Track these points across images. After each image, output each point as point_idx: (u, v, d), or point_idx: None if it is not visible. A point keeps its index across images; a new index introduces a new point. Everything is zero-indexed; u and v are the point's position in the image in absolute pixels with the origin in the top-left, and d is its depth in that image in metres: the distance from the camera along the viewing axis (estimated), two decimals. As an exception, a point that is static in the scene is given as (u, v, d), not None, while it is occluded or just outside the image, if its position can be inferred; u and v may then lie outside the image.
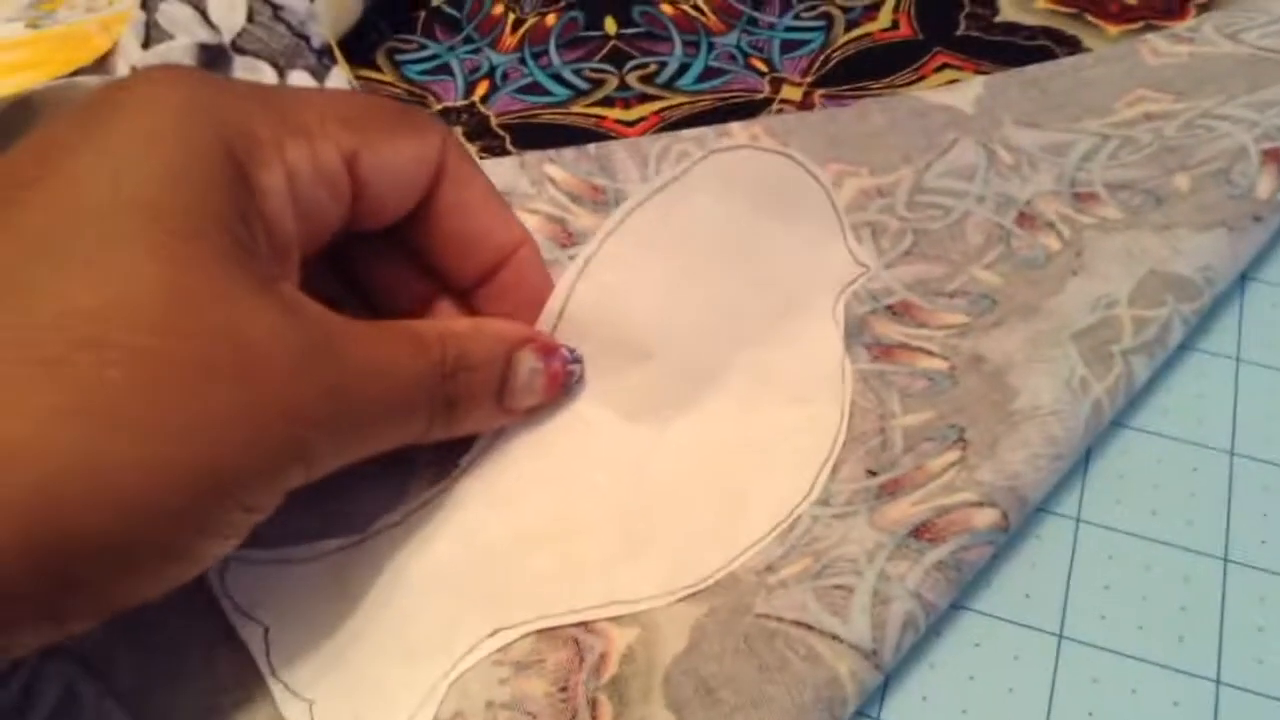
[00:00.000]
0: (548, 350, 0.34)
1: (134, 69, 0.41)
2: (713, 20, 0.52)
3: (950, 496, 0.33)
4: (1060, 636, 0.33)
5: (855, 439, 0.35)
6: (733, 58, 0.50)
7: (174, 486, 0.24)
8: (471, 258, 0.34)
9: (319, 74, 0.42)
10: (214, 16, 0.41)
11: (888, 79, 0.49)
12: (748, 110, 0.47)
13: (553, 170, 0.43)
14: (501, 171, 0.42)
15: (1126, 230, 0.40)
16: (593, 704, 0.30)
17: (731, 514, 0.34)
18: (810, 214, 0.36)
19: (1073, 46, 0.50)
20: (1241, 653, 0.32)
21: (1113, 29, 0.51)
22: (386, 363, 0.29)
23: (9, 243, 0.24)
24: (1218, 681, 0.32)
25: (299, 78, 0.42)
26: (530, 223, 0.40)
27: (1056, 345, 0.36)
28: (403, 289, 0.35)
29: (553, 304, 0.35)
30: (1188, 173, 0.42)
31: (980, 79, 0.47)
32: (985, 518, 0.32)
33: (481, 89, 0.49)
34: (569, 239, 0.41)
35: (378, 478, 0.34)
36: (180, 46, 0.41)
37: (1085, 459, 0.36)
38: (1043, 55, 0.49)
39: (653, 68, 0.50)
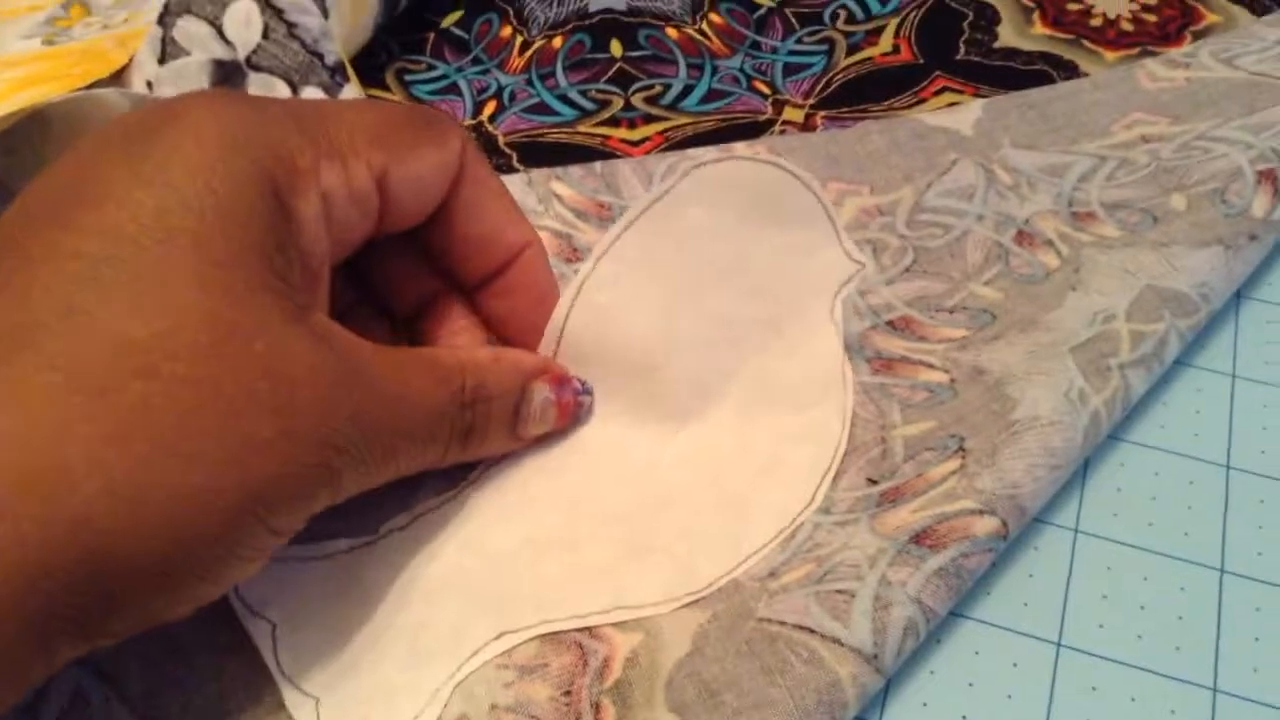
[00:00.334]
0: (560, 381, 0.35)
1: (149, 84, 0.42)
2: (717, 44, 0.53)
3: (950, 504, 0.33)
4: (1059, 645, 0.33)
5: (856, 449, 0.36)
6: (736, 80, 0.51)
7: (212, 512, 0.25)
8: (481, 256, 0.34)
9: (331, 91, 0.42)
10: (229, 33, 0.42)
11: (888, 102, 0.49)
12: (751, 131, 0.48)
13: (559, 187, 0.43)
14: (509, 188, 0.43)
15: (1124, 248, 0.41)
16: (596, 707, 0.30)
17: (734, 522, 0.34)
18: (801, 217, 0.36)
19: (1070, 71, 0.51)
20: (1238, 661, 0.33)
21: (1110, 54, 0.51)
22: (411, 393, 0.30)
23: (59, 268, 0.24)
24: (1214, 690, 0.32)
25: (312, 94, 0.42)
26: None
27: (1055, 358, 0.37)
28: (410, 286, 0.35)
29: (553, 325, 0.35)
30: (1184, 192, 0.43)
31: (979, 102, 0.48)
32: (985, 526, 0.33)
33: (489, 109, 0.49)
34: (575, 254, 0.41)
35: (388, 484, 0.34)
36: (196, 62, 0.42)
37: (1083, 472, 0.37)
38: (1041, 79, 0.50)
39: (657, 89, 0.50)
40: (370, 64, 0.51)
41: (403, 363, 0.30)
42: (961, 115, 0.47)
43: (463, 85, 0.51)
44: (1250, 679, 0.32)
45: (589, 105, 0.50)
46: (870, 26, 0.54)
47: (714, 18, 0.54)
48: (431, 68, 0.52)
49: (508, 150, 0.47)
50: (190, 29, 0.41)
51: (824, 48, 0.53)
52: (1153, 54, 0.51)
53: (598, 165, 0.45)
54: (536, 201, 0.43)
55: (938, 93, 0.50)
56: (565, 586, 0.33)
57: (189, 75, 0.42)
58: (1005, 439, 0.35)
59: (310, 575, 0.32)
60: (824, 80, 0.51)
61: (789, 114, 0.49)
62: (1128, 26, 0.53)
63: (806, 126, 0.48)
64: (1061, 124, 0.47)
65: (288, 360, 0.26)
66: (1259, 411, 0.39)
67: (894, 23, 0.54)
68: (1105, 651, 0.33)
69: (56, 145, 0.41)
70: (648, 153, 0.47)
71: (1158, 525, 0.36)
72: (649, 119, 0.49)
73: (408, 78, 0.51)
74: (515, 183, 0.43)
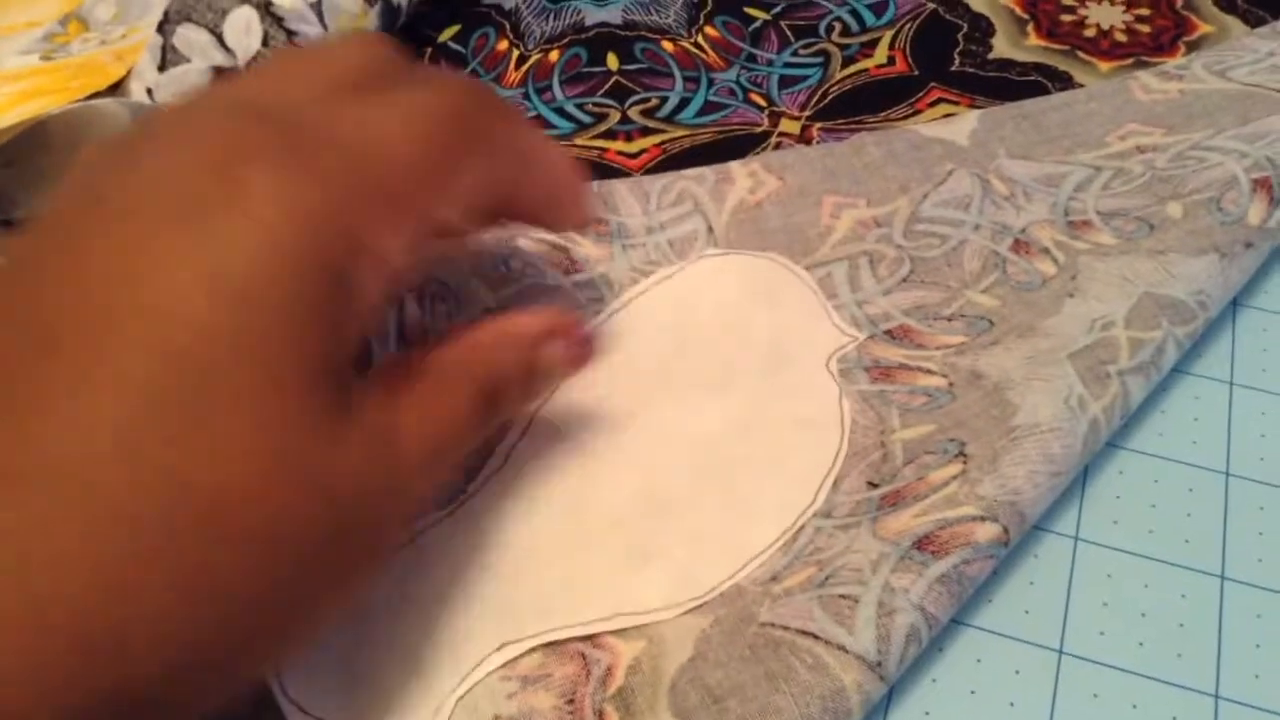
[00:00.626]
0: (567, 333, 0.33)
1: (149, 90, 0.42)
2: (712, 57, 0.53)
3: (952, 510, 0.33)
4: (1060, 652, 0.33)
5: (856, 453, 0.36)
6: (732, 92, 0.51)
7: (271, 650, 0.25)
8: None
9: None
10: (229, 40, 0.42)
11: (884, 113, 0.50)
12: (748, 143, 0.48)
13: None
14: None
15: (1121, 255, 0.41)
16: (600, 715, 0.30)
17: (735, 526, 0.34)
18: (795, 299, 0.40)
19: (1065, 82, 0.51)
20: (1239, 668, 0.33)
21: (1104, 65, 0.52)
22: (444, 432, 0.28)
23: (108, 388, 0.22)
24: (1216, 696, 0.32)
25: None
26: (535, 251, 0.41)
27: (1054, 364, 0.37)
28: None
29: None
30: (1180, 201, 0.43)
31: (975, 113, 0.48)
32: (987, 532, 0.33)
33: (486, 122, 0.49)
34: (573, 266, 0.41)
35: None
36: (196, 70, 0.42)
37: (1083, 479, 0.37)
38: (1035, 90, 0.50)
39: (654, 102, 0.51)
40: (367, 78, 0.51)
41: (425, 409, 0.28)
42: (957, 126, 0.47)
43: (460, 98, 0.51)
44: (1252, 685, 0.32)
45: (586, 118, 0.50)
46: (865, 39, 0.54)
47: (709, 31, 0.55)
48: (428, 81, 0.52)
49: (505, 163, 0.47)
50: (190, 36, 0.42)
51: (819, 60, 0.53)
52: (1146, 64, 0.52)
53: (595, 185, 0.45)
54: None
55: (933, 104, 0.50)
56: (566, 595, 0.33)
57: (189, 82, 0.42)
58: (1005, 445, 0.35)
59: None
60: (820, 92, 0.51)
61: (785, 126, 0.49)
62: (1121, 37, 0.53)
63: (803, 138, 0.48)
64: (1057, 134, 0.47)
65: (344, 486, 0.25)
66: (1257, 418, 0.39)
67: (889, 35, 0.54)
68: (1107, 659, 0.33)
69: (56, 157, 0.41)
70: (645, 165, 0.47)
71: (1158, 532, 0.36)
72: (646, 131, 0.49)
73: (405, 91, 0.51)
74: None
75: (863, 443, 0.36)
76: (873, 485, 0.35)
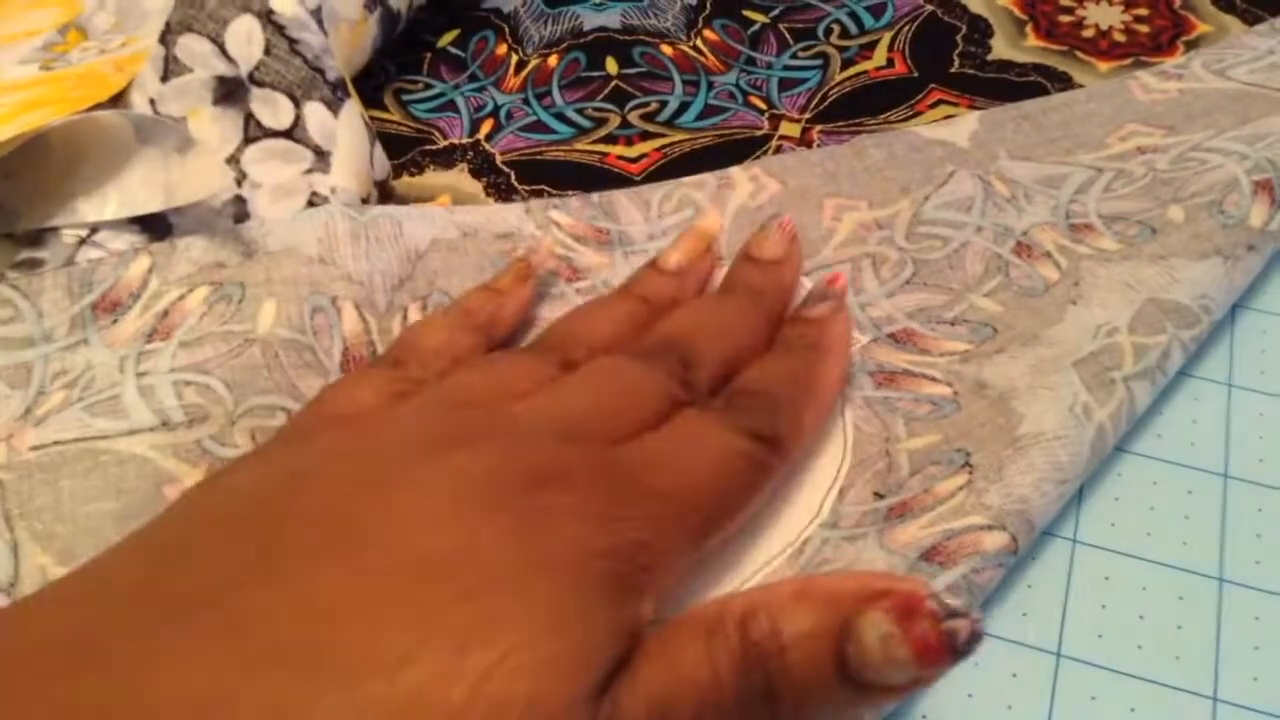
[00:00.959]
0: (907, 608, 0.24)
1: (152, 101, 0.42)
2: (712, 60, 0.53)
3: (959, 520, 0.33)
4: (1058, 655, 0.33)
5: (861, 462, 0.36)
6: (732, 96, 0.51)
7: None
8: None
9: (333, 106, 0.43)
10: (231, 50, 0.42)
11: (884, 115, 0.50)
12: (748, 146, 0.48)
13: (557, 216, 0.44)
14: (506, 216, 0.43)
15: (1123, 261, 0.41)
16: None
17: (742, 539, 0.34)
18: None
19: (1064, 82, 0.51)
20: (1238, 670, 0.33)
21: (1103, 65, 0.52)
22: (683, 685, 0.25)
23: None
24: (1214, 699, 0.32)
25: (314, 109, 0.42)
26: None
27: (1058, 372, 0.37)
28: None
29: None
30: (1181, 204, 0.43)
31: (975, 114, 0.48)
32: (995, 541, 0.33)
33: (486, 127, 0.50)
34: (575, 274, 0.42)
35: None
36: (198, 79, 0.42)
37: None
38: (1035, 91, 0.50)
39: (654, 106, 0.51)
40: (368, 84, 0.51)
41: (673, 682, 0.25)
42: (957, 128, 0.47)
43: (460, 103, 0.51)
44: (1250, 688, 0.32)
45: (586, 123, 0.50)
46: (864, 41, 0.54)
47: (708, 34, 0.55)
48: (429, 86, 0.52)
49: (505, 169, 0.47)
50: (192, 46, 0.42)
51: (819, 62, 0.53)
52: (1145, 64, 0.52)
53: (595, 196, 0.45)
54: (535, 227, 0.43)
55: (933, 105, 0.50)
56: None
57: (191, 92, 0.42)
58: (1011, 454, 0.35)
59: None
60: (819, 94, 0.51)
61: (785, 129, 0.49)
62: (1120, 37, 0.53)
63: (803, 141, 0.48)
64: (1057, 135, 0.47)
65: None
66: (1256, 420, 0.39)
67: (887, 37, 0.54)
68: (1105, 661, 0.33)
69: (56, 169, 0.41)
70: (645, 169, 0.47)
71: (1156, 535, 0.36)
72: (646, 136, 0.49)
73: (405, 97, 0.51)
74: (514, 211, 0.44)
75: (868, 451, 0.36)
76: (879, 496, 0.35)
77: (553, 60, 0.53)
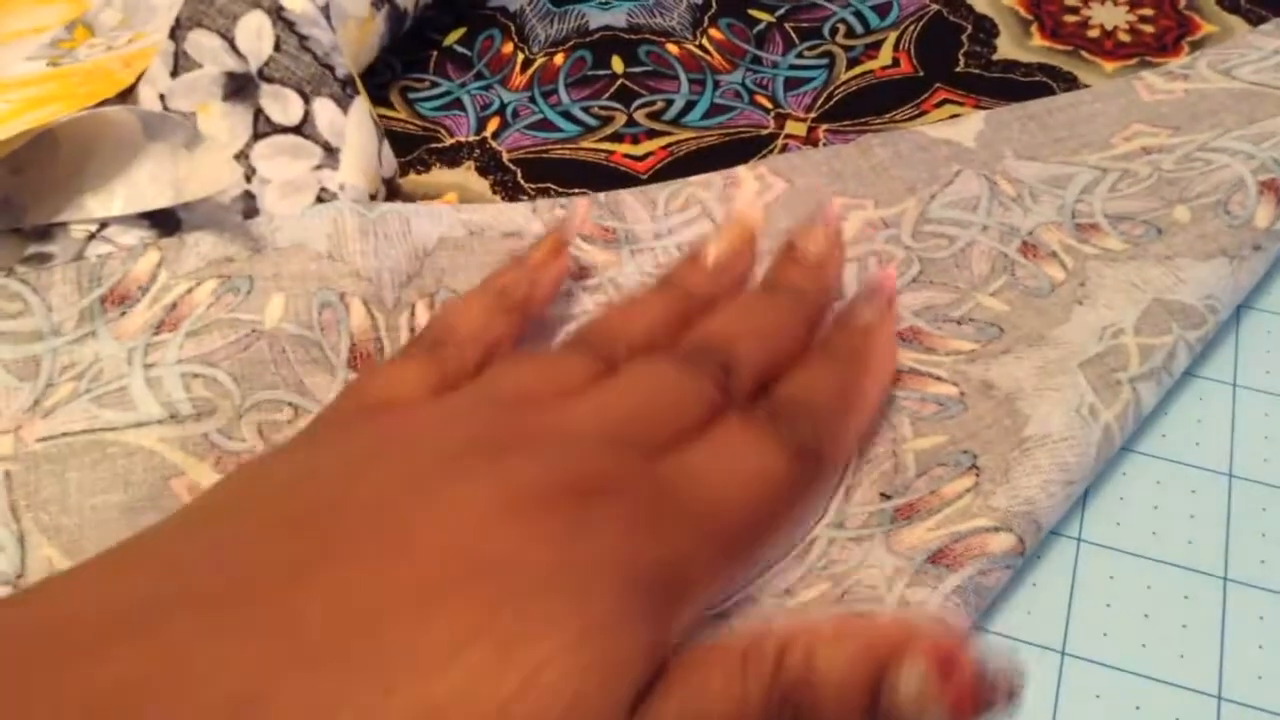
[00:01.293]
0: (946, 658, 0.23)
1: (161, 96, 0.42)
2: (718, 59, 0.53)
3: (966, 522, 0.33)
4: (1063, 653, 0.33)
5: (868, 462, 0.36)
6: (738, 95, 0.51)
7: None
8: None
9: (343, 103, 0.43)
10: (241, 45, 0.42)
11: (890, 114, 0.50)
12: (754, 145, 0.48)
13: (564, 215, 0.44)
14: (513, 215, 0.43)
15: (1129, 261, 0.41)
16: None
17: None
18: None
19: (1069, 82, 0.51)
20: (1242, 669, 0.33)
21: (1109, 65, 0.52)
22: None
23: None
24: (1219, 698, 0.32)
25: (323, 106, 0.42)
26: (544, 258, 0.41)
27: (1065, 373, 0.37)
28: None
29: None
30: (1187, 204, 0.43)
31: (980, 114, 0.48)
32: (1001, 543, 0.33)
33: (493, 125, 0.50)
34: (582, 272, 0.42)
35: None
36: (208, 75, 0.42)
37: (1087, 481, 0.37)
38: (1040, 91, 0.50)
39: (660, 105, 0.51)
40: (374, 82, 0.51)
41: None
42: (963, 127, 0.48)
43: (466, 101, 0.51)
44: (1255, 686, 0.33)
45: (592, 121, 0.50)
46: (869, 40, 0.54)
47: (714, 33, 0.55)
48: (435, 84, 0.52)
49: (512, 166, 0.47)
50: (202, 42, 0.42)
51: (824, 61, 0.53)
52: (1151, 64, 0.52)
53: (601, 196, 0.45)
54: (542, 227, 0.43)
55: (938, 105, 0.50)
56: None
57: (201, 88, 0.42)
58: (1018, 456, 0.35)
59: None
60: (825, 94, 0.51)
61: (791, 128, 0.49)
62: (1125, 37, 0.54)
63: (809, 140, 0.48)
64: (1063, 135, 0.47)
65: None
66: (1261, 420, 0.39)
67: (893, 36, 0.54)
68: (1109, 660, 0.33)
69: (64, 165, 0.42)
70: (652, 168, 0.47)
71: (1161, 534, 0.36)
72: (652, 134, 0.49)
73: (412, 95, 0.51)
74: (520, 210, 0.44)
75: (874, 451, 0.36)
76: (886, 497, 0.35)
77: (559, 58, 0.53)
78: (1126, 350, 0.38)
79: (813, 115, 0.50)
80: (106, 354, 0.37)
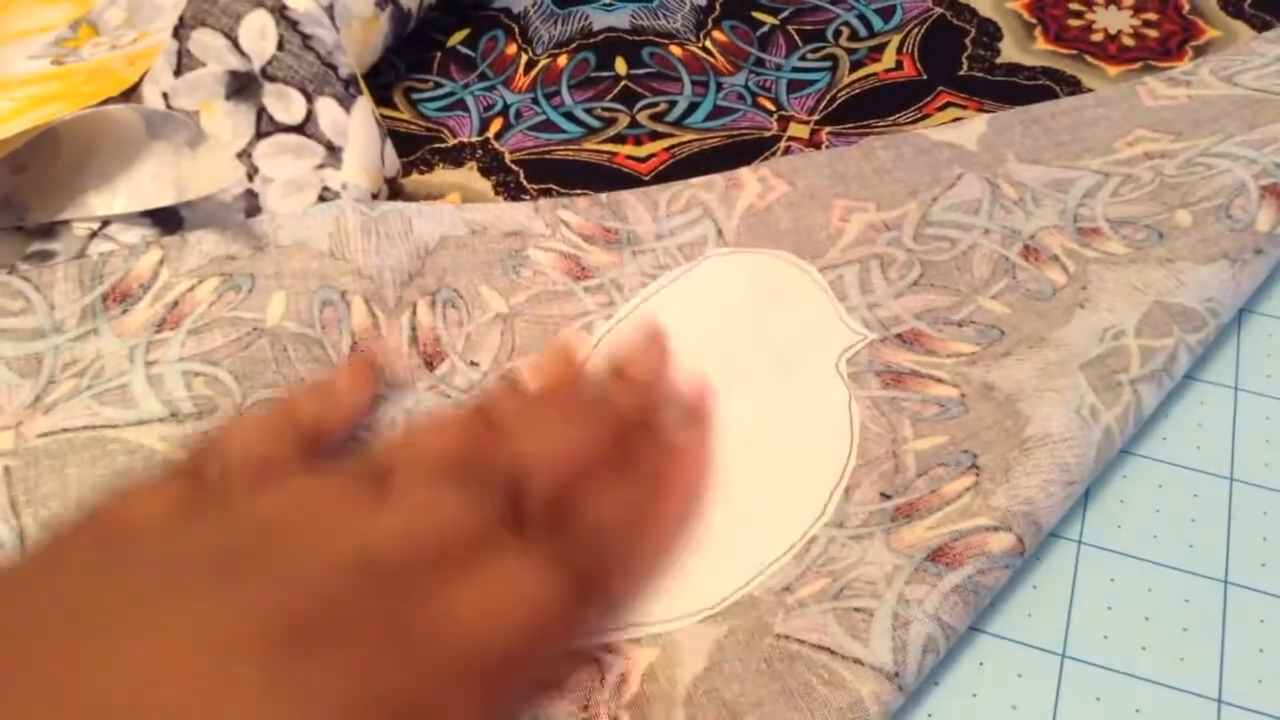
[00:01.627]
0: None
1: (165, 95, 0.42)
2: (721, 61, 0.53)
3: (966, 521, 0.33)
4: (1063, 656, 0.33)
5: (868, 463, 0.36)
6: (741, 97, 0.51)
7: None
8: None
9: (345, 103, 0.43)
10: (244, 45, 0.42)
11: (893, 117, 0.50)
12: (757, 147, 0.48)
13: (566, 215, 0.44)
14: (515, 215, 0.44)
15: (1130, 265, 0.41)
16: (614, 722, 0.30)
17: (745, 536, 0.34)
18: (805, 298, 0.40)
19: (1073, 86, 0.51)
20: (1242, 673, 0.33)
21: (1112, 69, 0.52)
22: None
23: None
24: (1219, 701, 0.32)
25: (326, 105, 0.43)
26: (545, 259, 0.41)
27: (1065, 375, 0.37)
28: None
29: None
30: (1189, 209, 0.43)
31: (983, 117, 0.48)
32: (1001, 542, 0.33)
33: (496, 126, 0.50)
34: (583, 273, 0.42)
35: None
36: (211, 74, 0.42)
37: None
38: (1044, 94, 0.50)
39: (663, 106, 0.51)
40: (378, 82, 0.51)
41: None
42: (966, 130, 0.48)
43: (469, 101, 0.51)
44: (1255, 690, 0.33)
45: (595, 123, 0.50)
46: (873, 43, 0.54)
47: (717, 35, 0.55)
48: (439, 85, 0.52)
49: (514, 167, 0.47)
50: (206, 41, 0.42)
51: (827, 64, 0.53)
52: (1154, 68, 0.52)
53: (603, 196, 0.45)
54: (544, 226, 0.43)
55: (941, 108, 0.50)
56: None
57: (205, 86, 0.42)
58: (1018, 456, 0.35)
59: None
60: (828, 96, 0.51)
61: (794, 130, 0.49)
62: (1129, 41, 0.54)
63: (812, 142, 0.48)
64: (1065, 139, 0.47)
65: None
66: (1261, 424, 0.39)
67: (896, 39, 0.54)
68: (1109, 662, 0.33)
69: (67, 163, 0.42)
70: (654, 169, 0.47)
71: (1161, 537, 0.36)
72: (655, 136, 0.49)
73: (415, 96, 0.51)
74: (522, 210, 0.44)
75: (874, 452, 0.36)
76: (886, 496, 0.35)
77: (562, 60, 0.53)
78: (1128, 352, 0.38)
79: (816, 118, 0.50)
80: (108, 351, 0.37)
